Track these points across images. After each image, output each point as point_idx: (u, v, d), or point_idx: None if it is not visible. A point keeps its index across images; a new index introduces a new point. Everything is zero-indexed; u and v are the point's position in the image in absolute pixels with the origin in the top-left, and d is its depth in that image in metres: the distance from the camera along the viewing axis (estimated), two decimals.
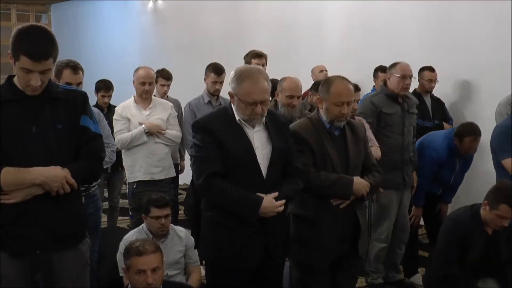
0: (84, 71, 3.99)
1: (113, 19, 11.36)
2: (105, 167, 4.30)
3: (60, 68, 3.88)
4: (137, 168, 4.86)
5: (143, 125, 4.81)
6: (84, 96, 2.82)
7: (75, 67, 3.90)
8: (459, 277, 3.83)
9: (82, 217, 2.85)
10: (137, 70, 5.04)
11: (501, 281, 3.95)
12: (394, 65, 4.80)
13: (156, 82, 5.80)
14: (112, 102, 6.32)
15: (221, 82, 5.46)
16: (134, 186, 4.87)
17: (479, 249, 3.82)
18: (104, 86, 6.22)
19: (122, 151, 4.95)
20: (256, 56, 5.66)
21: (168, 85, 6.13)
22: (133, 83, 5.01)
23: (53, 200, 2.62)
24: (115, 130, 4.88)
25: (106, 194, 6.47)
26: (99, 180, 4.34)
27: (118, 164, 5.70)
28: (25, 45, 2.53)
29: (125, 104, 5.01)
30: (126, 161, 4.97)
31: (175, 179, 5.60)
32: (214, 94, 5.49)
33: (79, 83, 3.90)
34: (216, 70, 5.50)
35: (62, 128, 2.67)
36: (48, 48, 2.57)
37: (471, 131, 4.71)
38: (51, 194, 2.61)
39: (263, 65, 5.40)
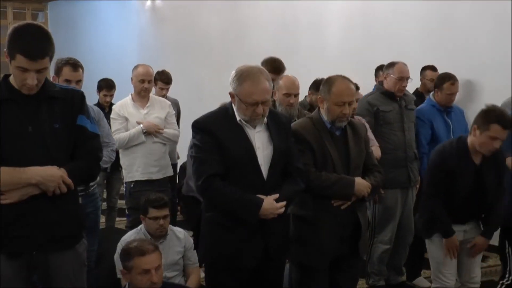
0: (84, 69, 3.98)
1: (111, 18, 11.34)
2: (104, 166, 4.31)
3: (60, 65, 3.88)
4: (135, 168, 4.85)
5: (141, 125, 4.80)
6: (81, 96, 2.81)
7: (74, 65, 3.90)
8: (439, 213, 3.80)
9: (79, 218, 2.84)
10: (136, 67, 5.03)
11: (485, 223, 3.91)
12: (391, 65, 4.78)
13: (155, 84, 5.79)
14: (113, 101, 6.31)
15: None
16: (132, 186, 4.87)
17: (467, 181, 3.74)
18: (106, 85, 6.22)
19: (120, 150, 4.94)
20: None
21: (167, 89, 6.12)
22: (131, 80, 5.00)
23: (50, 200, 2.61)
24: (112, 129, 4.86)
25: (104, 195, 6.45)
26: (99, 179, 4.35)
27: (117, 163, 5.70)
28: (21, 44, 2.52)
29: (122, 102, 5.00)
30: (123, 161, 4.96)
31: (173, 178, 5.59)
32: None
33: (79, 81, 3.91)
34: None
35: (59, 127, 2.66)
36: (45, 47, 2.56)
37: (449, 76, 5.05)
38: (48, 194, 2.60)
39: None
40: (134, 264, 3.15)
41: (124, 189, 5.07)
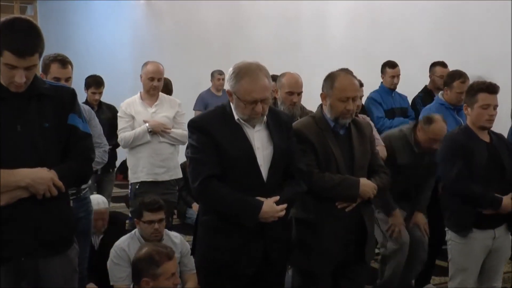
0: (73, 65, 3.99)
1: (104, 12, 11.36)
2: (96, 168, 4.32)
3: (47, 62, 3.88)
4: (140, 168, 4.89)
5: (147, 124, 4.83)
6: (72, 93, 2.82)
7: (63, 61, 3.90)
8: (475, 189, 3.76)
9: (70, 222, 2.84)
10: (145, 64, 5.06)
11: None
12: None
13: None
14: (103, 99, 6.33)
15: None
16: (137, 187, 4.90)
17: (483, 155, 3.80)
18: (95, 82, 6.23)
19: (126, 150, 5.01)
20: None
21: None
22: (141, 78, 5.04)
23: (40, 203, 2.61)
24: (118, 127, 4.95)
25: None
26: (89, 182, 4.36)
27: (109, 165, 5.71)
28: (8, 40, 2.51)
29: (130, 100, 5.04)
30: (129, 161, 5.03)
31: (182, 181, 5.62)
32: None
33: (68, 78, 3.91)
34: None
35: (49, 127, 2.66)
36: (34, 43, 2.56)
37: (459, 74, 5.17)
38: (37, 197, 2.60)
39: None
40: (163, 269, 3.17)
41: (129, 190, 5.10)
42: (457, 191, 3.85)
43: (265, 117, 3.08)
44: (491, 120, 3.84)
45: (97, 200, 4.78)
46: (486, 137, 3.90)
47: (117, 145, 6.13)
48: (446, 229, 3.99)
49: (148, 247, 3.47)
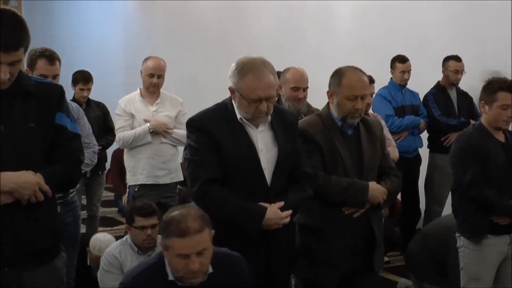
0: (61, 61, 3.98)
1: (93, 2, 11.34)
2: (85, 170, 4.32)
3: (33, 57, 3.87)
4: (140, 170, 4.90)
5: (148, 124, 4.83)
6: (59, 90, 2.81)
7: (51, 57, 3.90)
8: (489, 196, 3.74)
9: (57, 229, 2.83)
10: (146, 60, 5.09)
11: None
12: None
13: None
14: (91, 96, 6.32)
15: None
16: (136, 190, 4.91)
17: (499, 156, 3.80)
18: (83, 78, 6.22)
19: (124, 150, 5.03)
20: None
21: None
22: (141, 73, 5.07)
23: (24, 209, 2.60)
24: (116, 126, 4.97)
25: (84, 202, 6.45)
26: (78, 185, 4.36)
27: (98, 167, 5.70)
28: None
29: (129, 97, 5.05)
30: (128, 162, 5.03)
31: (184, 184, 5.62)
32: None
33: (56, 76, 3.90)
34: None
35: (35, 127, 2.65)
36: (18, 36, 2.54)
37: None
38: (22, 203, 2.59)
39: None
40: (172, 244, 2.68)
41: (127, 193, 5.11)
42: (470, 198, 3.84)
43: (269, 116, 3.08)
44: (509, 121, 3.85)
45: (99, 244, 4.57)
46: (501, 137, 3.90)
47: (107, 146, 6.15)
48: (458, 235, 3.98)
49: (177, 209, 2.84)
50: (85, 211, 6.36)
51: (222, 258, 2.79)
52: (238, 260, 2.86)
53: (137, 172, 4.91)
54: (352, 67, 3.49)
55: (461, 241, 3.95)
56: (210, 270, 2.70)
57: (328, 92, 3.51)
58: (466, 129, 4.07)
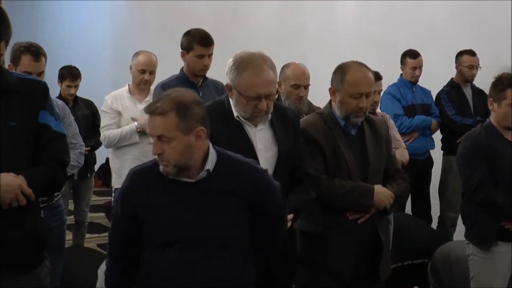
0: (47, 57, 3.98)
1: None
2: (72, 172, 4.32)
3: (18, 52, 3.87)
4: (126, 172, 4.87)
5: (136, 123, 4.84)
6: (43, 87, 2.81)
7: (37, 53, 3.90)
8: (498, 199, 3.75)
9: (40, 235, 2.83)
10: (136, 54, 5.10)
11: None
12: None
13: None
14: (79, 93, 6.32)
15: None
16: None
17: (508, 156, 3.80)
18: (70, 74, 6.21)
19: (110, 150, 5.02)
20: None
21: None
22: (130, 69, 5.07)
23: (5, 214, 2.60)
24: (102, 124, 4.96)
25: (71, 207, 6.46)
26: (64, 188, 4.36)
27: (87, 169, 5.70)
28: None
29: (116, 93, 5.05)
30: (113, 163, 5.04)
31: None
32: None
33: (41, 73, 3.91)
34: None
35: (16, 126, 2.65)
36: None
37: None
38: (3, 207, 2.59)
39: None
40: None
41: (112, 196, 5.10)
42: (479, 201, 3.85)
43: (269, 115, 3.08)
44: None
45: None
46: (511, 137, 3.90)
47: (96, 147, 6.13)
48: (467, 242, 3.99)
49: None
50: (72, 217, 6.37)
51: (233, 163, 2.76)
52: (255, 170, 2.78)
53: (123, 174, 4.88)
54: (356, 62, 3.49)
55: (470, 249, 3.96)
56: (209, 167, 2.67)
57: (330, 89, 3.51)
58: (474, 128, 4.08)
